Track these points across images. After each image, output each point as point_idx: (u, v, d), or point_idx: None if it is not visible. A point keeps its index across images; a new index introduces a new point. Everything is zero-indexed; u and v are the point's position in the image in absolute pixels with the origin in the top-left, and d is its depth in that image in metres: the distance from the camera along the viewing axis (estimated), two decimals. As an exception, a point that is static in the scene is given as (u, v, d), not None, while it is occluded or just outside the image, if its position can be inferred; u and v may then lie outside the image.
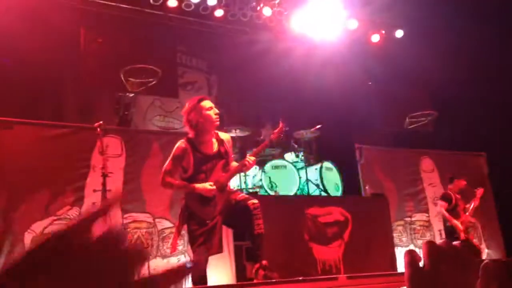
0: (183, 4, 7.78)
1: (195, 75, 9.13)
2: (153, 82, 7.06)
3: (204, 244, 3.74)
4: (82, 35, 6.98)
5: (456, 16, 7.52)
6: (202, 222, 3.73)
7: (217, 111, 3.90)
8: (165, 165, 3.89)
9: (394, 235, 7.15)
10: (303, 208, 6.59)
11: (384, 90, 8.98)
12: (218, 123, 3.90)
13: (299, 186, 7.34)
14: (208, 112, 3.82)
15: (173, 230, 6.02)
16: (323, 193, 7.43)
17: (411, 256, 0.96)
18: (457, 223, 6.59)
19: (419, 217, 7.60)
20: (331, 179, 7.62)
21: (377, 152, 7.73)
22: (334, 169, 7.75)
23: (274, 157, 7.72)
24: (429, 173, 7.93)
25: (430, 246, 0.96)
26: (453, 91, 7.93)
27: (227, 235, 6.22)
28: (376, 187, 7.23)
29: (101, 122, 4.33)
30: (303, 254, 6.26)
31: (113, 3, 7.36)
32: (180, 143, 3.86)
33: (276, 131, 4.20)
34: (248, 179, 7.10)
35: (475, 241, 6.96)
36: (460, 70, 7.49)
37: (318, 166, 7.64)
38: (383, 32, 8.96)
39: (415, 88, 8.96)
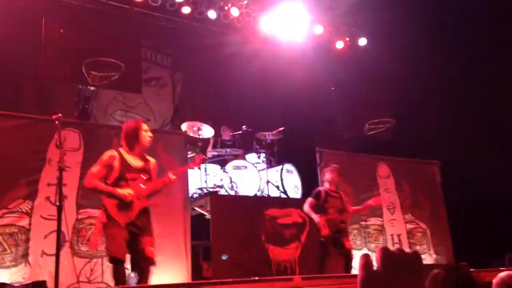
0: (149, -1, 7.69)
1: (159, 71, 9.04)
2: (116, 76, 6.95)
3: (114, 242, 4.07)
4: (43, 25, 6.78)
5: (417, 27, 7.76)
6: (117, 224, 4.06)
7: (151, 135, 4.42)
8: (92, 168, 4.24)
9: (350, 238, 7.30)
10: (262, 209, 6.65)
11: (346, 95, 9.18)
12: (148, 145, 4.42)
13: (259, 187, 7.38)
14: (144, 133, 4.36)
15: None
16: (283, 195, 7.50)
17: (366, 260, 1.00)
18: (317, 217, 5.92)
19: (373, 221, 7.80)
20: (292, 181, 7.71)
21: (337, 156, 7.87)
22: (295, 172, 7.84)
23: (235, 157, 7.73)
24: (385, 179, 8.14)
25: (384, 251, 1.01)
26: (412, 100, 8.18)
27: (184, 234, 6.21)
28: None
29: (59, 114, 4.21)
30: (259, 254, 6.31)
31: (77, -6, 7.20)
32: (111, 151, 4.28)
33: (196, 160, 4.75)
34: (209, 178, 7.09)
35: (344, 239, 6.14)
36: (419, 79, 7.74)
37: (279, 168, 7.71)
38: (347, 39, 9.15)
39: (376, 95, 9.20)
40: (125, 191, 4.09)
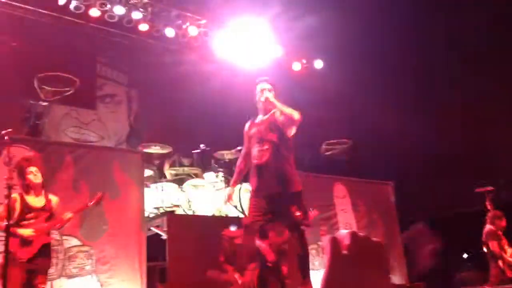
0: (106, 15, 7.56)
1: (114, 88, 8.85)
2: (70, 92, 6.73)
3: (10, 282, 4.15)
4: (-6, 37, 6.52)
5: (371, 50, 8.03)
6: (19, 259, 4.28)
7: (39, 173, 4.54)
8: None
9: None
10: (220, 229, 6.55)
11: (303, 116, 9.29)
12: (38, 182, 4.53)
13: (217, 207, 7.29)
14: (30, 176, 4.51)
15: (81, 248, 5.73)
16: (241, 215, 7.43)
17: (334, 243, 0.99)
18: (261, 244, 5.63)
19: (331, 241, 7.86)
20: (249, 201, 7.66)
21: (294, 176, 7.91)
22: (252, 191, 7.80)
23: (193, 176, 7.62)
24: (341, 199, 8.25)
25: (353, 235, 0.99)
26: (368, 121, 8.40)
27: (140, 255, 6.01)
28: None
29: (9, 129, 4.07)
30: (218, 275, 6.18)
31: (31, 8, 6.97)
32: (14, 195, 4.38)
33: (95, 199, 4.74)
34: (166, 197, 6.93)
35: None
36: (374, 101, 7.97)
37: (237, 187, 7.65)
38: (304, 61, 9.33)
39: (332, 116, 9.37)
40: (25, 231, 4.36)
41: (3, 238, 4.23)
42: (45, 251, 4.51)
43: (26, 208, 4.46)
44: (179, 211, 6.88)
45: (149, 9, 7.86)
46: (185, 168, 7.65)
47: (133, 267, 5.88)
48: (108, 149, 7.28)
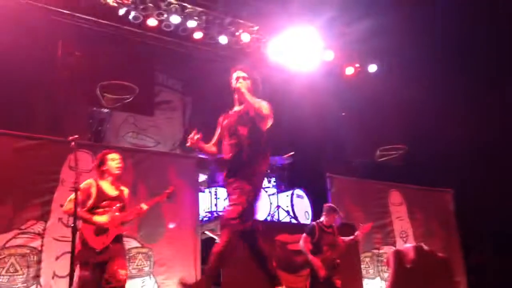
0: (162, 24, 7.78)
1: (170, 95, 9.08)
2: (129, 99, 6.99)
3: (89, 266, 4.15)
4: (59, 48, 6.86)
5: (429, 53, 7.80)
6: (92, 249, 4.20)
7: (120, 165, 4.54)
8: (71, 195, 4.27)
9: (362, 266, 7.18)
10: (272, 235, 6.55)
11: (357, 121, 9.16)
12: (118, 174, 4.51)
13: (269, 212, 7.31)
14: (110, 162, 4.50)
15: (140, 250, 5.91)
16: (293, 220, 7.42)
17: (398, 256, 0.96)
18: (313, 259, 5.71)
19: (386, 249, 7.65)
20: (302, 206, 7.64)
21: (348, 182, 7.82)
22: (305, 197, 7.78)
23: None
24: (397, 207, 8.05)
25: (418, 249, 0.97)
26: (424, 126, 8.15)
27: (195, 258, 6.13)
28: (346, 217, 7.28)
29: (76, 136, 4.24)
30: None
31: (93, 18, 7.30)
32: (89, 180, 4.46)
33: (166, 193, 4.73)
34: (218, 202, 7.03)
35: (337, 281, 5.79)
36: (431, 106, 7.73)
37: (289, 193, 7.65)
38: (357, 65, 9.20)
39: (387, 121, 9.18)
40: (101, 219, 4.27)
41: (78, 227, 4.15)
42: (119, 240, 4.38)
43: (101, 195, 4.37)
44: (232, 216, 6.92)
45: (204, 17, 8.01)
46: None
47: (188, 270, 6.01)
48: (165, 154, 7.48)
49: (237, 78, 4.12)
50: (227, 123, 4.12)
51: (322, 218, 6.03)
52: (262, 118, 3.94)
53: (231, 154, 3.94)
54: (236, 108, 4.15)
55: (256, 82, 4.19)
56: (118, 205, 4.41)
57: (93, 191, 4.36)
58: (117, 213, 4.37)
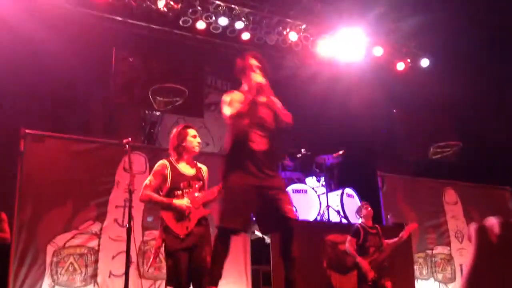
0: (211, 27, 7.92)
1: (219, 96, 9.19)
2: (180, 102, 7.16)
3: (176, 254, 3.85)
4: (113, 54, 7.14)
5: (483, 48, 7.48)
6: (176, 236, 3.86)
7: (199, 140, 4.20)
8: (146, 181, 4.07)
9: (415, 267, 7.01)
10: (323, 235, 6.52)
11: (409, 118, 8.93)
12: (197, 150, 4.16)
13: (319, 212, 7.28)
14: (191, 139, 4.14)
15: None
16: (344, 220, 7.35)
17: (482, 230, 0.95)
18: (361, 261, 5.66)
19: (440, 250, 7.43)
20: (352, 206, 7.53)
21: (400, 181, 7.64)
22: (355, 196, 7.67)
23: (295, 181, 7.69)
24: (452, 205, 7.79)
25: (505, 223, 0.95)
26: (479, 122, 7.83)
27: (245, 259, 6.19)
28: (398, 217, 7.13)
29: (129, 138, 4.31)
30: (321, 281, 6.17)
31: (144, 24, 7.54)
32: (162, 161, 4.11)
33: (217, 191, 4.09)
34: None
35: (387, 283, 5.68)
36: (486, 101, 7.41)
37: (339, 192, 7.58)
38: (409, 60, 8.95)
39: (440, 118, 8.88)
40: (182, 202, 3.90)
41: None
42: (202, 223, 3.98)
43: (178, 176, 3.98)
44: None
45: (251, 18, 8.07)
46: (287, 173, 7.73)
47: (239, 270, 6.07)
48: (213, 155, 7.60)
49: (259, 69, 3.84)
50: (256, 112, 3.70)
51: (360, 220, 6.00)
52: (282, 124, 3.76)
53: (262, 147, 3.62)
54: (261, 99, 3.74)
55: (266, 71, 3.89)
56: (197, 185, 4.03)
57: (168, 172, 3.98)
58: (197, 194, 3.99)
